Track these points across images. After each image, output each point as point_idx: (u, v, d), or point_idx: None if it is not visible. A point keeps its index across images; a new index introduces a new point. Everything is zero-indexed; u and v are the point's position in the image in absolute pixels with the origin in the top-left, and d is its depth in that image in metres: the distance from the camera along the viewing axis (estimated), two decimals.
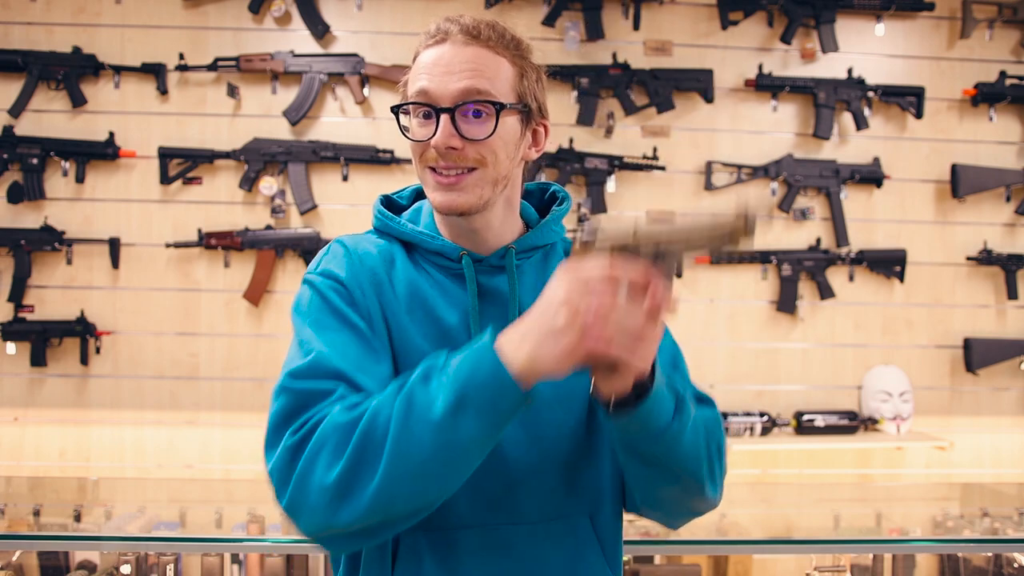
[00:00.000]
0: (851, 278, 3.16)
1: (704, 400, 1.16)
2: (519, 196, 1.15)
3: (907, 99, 3.13)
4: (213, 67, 2.98)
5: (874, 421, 3.09)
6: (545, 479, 1.08)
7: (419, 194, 1.21)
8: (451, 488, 0.92)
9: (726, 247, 0.88)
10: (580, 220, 0.88)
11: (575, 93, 3.05)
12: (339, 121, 3.07)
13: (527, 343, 0.87)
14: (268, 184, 2.99)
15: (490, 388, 0.86)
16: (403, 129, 1.07)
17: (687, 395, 1.03)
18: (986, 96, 3.15)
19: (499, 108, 1.03)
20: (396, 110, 1.07)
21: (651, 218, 0.85)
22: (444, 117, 1.02)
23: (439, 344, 1.04)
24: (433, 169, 1.04)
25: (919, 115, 3.13)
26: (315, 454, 0.89)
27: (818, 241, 3.14)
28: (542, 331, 0.87)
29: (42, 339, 2.95)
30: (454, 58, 1.03)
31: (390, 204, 1.19)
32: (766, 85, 3.10)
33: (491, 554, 1.06)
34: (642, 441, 0.99)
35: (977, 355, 3.15)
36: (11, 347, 2.97)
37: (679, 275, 3.06)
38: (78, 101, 2.98)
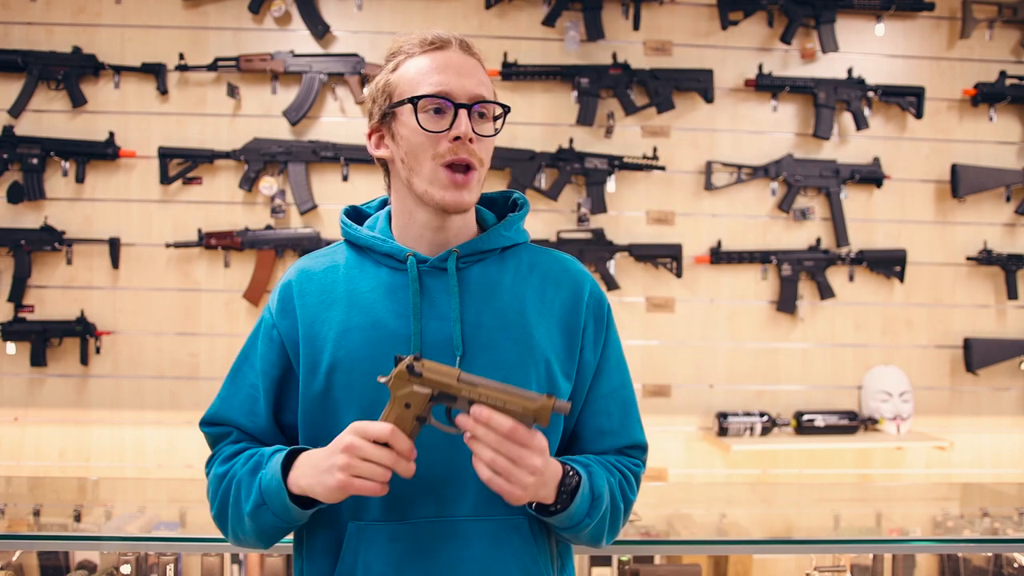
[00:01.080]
0: (851, 278, 3.16)
1: (634, 456, 1.27)
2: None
3: (907, 99, 3.13)
4: (213, 67, 2.98)
5: (874, 421, 3.09)
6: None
7: (384, 204, 1.30)
8: (276, 540, 1.16)
9: (530, 424, 1.00)
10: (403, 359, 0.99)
11: (575, 93, 3.05)
12: (339, 121, 3.07)
13: (303, 479, 1.06)
14: (268, 184, 2.99)
15: (276, 499, 1.09)
16: (418, 123, 1.13)
17: (604, 492, 1.14)
18: (986, 96, 3.15)
19: (506, 111, 1.18)
20: (415, 100, 1.13)
21: (468, 376, 0.97)
22: (463, 112, 1.12)
23: (377, 343, 1.14)
24: (449, 168, 1.13)
25: (919, 115, 3.13)
26: (208, 491, 1.21)
27: (818, 241, 3.14)
28: (318, 469, 1.05)
29: (42, 339, 2.95)
30: (463, 63, 1.15)
31: (356, 212, 1.30)
32: (766, 85, 3.10)
33: (423, 546, 1.11)
34: (552, 527, 1.15)
35: (977, 355, 3.15)
36: (11, 347, 2.97)
37: (679, 275, 3.06)
38: (78, 101, 2.98)
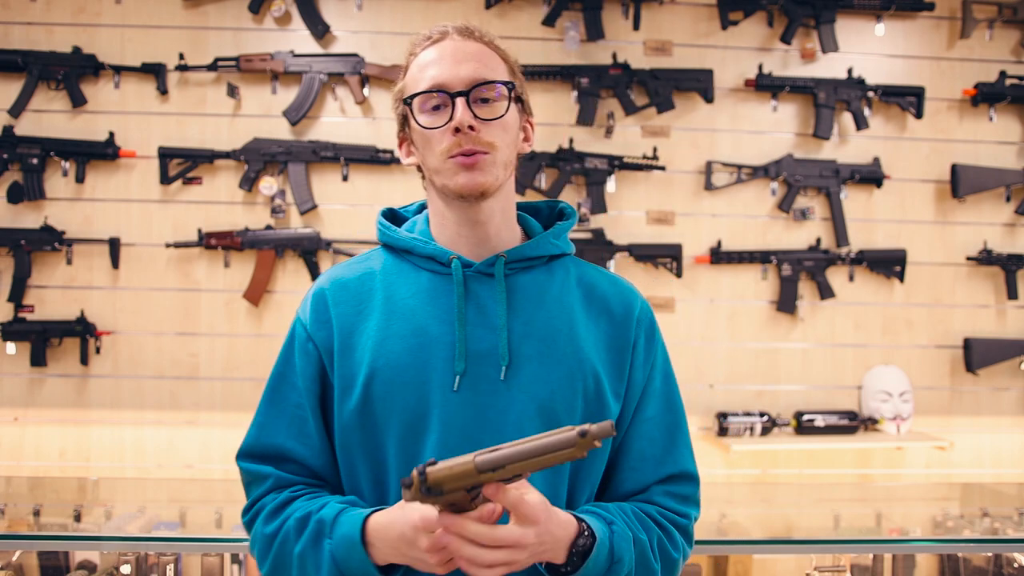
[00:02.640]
0: (851, 278, 3.16)
1: (682, 494, 1.16)
2: (514, 201, 1.18)
3: (907, 99, 3.13)
4: (213, 67, 2.98)
5: (874, 421, 3.09)
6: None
7: (423, 208, 1.24)
8: None
9: (568, 460, 0.90)
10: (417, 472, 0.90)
11: (575, 93, 3.05)
12: (339, 121, 3.07)
13: (395, 559, 1.00)
14: (268, 184, 2.99)
15: (359, 573, 1.01)
16: (417, 124, 1.09)
17: (625, 556, 1.03)
18: (986, 96, 3.15)
19: (510, 87, 1.10)
20: (410, 100, 1.10)
21: (486, 458, 0.91)
22: (460, 100, 1.07)
23: (419, 351, 1.08)
24: (453, 156, 1.07)
25: (919, 115, 3.13)
26: (253, 546, 1.13)
27: (818, 241, 3.14)
28: (413, 561, 0.99)
29: (42, 339, 2.95)
30: (458, 50, 1.09)
31: (393, 216, 1.24)
32: (766, 85, 3.10)
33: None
34: None
35: (977, 355, 3.15)
36: (11, 347, 2.97)
37: (679, 275, 3.06)
38: (78, 101, 2.98)
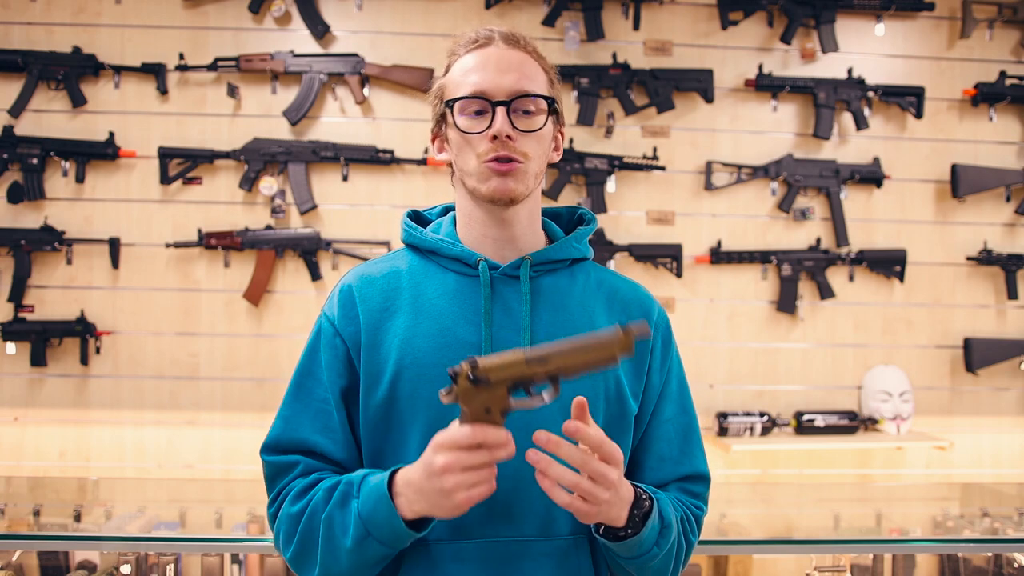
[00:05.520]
0: (851, 278, 3.16)
1: (695, 492, 1.22)
2: (540, 206, 1.22)
3: (907, 99, 3.13)
4: (213, 67, 2.98)
5: (874, 421, 3.09)
6: (544, 494, 1.09)
7: (446, 211, 1.27)
8: (376, 570, 1.08)
9: (611, 366, 0.94)
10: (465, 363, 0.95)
11: (575, 93, 3.05)
12: (339, 121, 3.07)
13: (416, 504, 1.00)
14: (268, 184, 2.99)
15: (386, 528, 1.02)
16: (456, 126, 1.12)
17: (673, 522, 1.10)
18: (986, 96, 3.15)
19: (550, 102, 1.14)
20: (452, 103, 1.12)
21: (535, 352, 0.92)
22: (500, 109, 1.10)
23: (445, 350, 1.10)
24: (489, 161, 1.10)
25: (919, 115, 3.13)
26: (278, 532, 1.13)
27: (818, 241, 3.14)
28: (427, 494, 0.98)
29: (42, 339, 2.95)
30: (502, 58, 1.12)
31: (418, 218, 1.26)
32: (766, 85, 3.10)
33: (489, 566, 1.08)
34: (618, 557, 1.08)
35: (977, 355, 3.15)
36: (11, 347, 2.97)
37: (679, 275, 3.06)
38: (78, 101, 2.98)
